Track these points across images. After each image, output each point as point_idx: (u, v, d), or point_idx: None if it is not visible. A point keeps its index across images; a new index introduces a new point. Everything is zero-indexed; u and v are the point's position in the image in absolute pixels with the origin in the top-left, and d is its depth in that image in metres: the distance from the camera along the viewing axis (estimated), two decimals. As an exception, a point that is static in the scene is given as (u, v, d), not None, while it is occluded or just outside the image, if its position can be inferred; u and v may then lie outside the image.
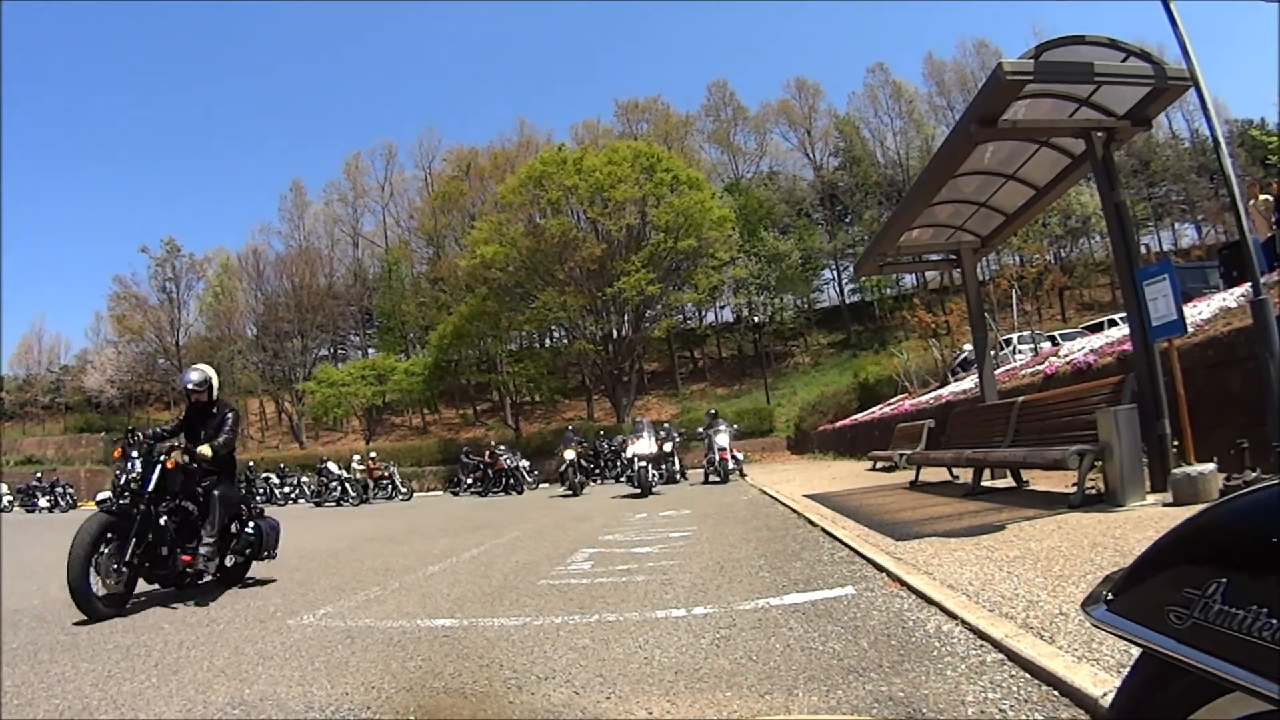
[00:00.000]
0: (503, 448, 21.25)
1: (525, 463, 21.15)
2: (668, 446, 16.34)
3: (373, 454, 25.36)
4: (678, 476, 16.78)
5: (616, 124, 55.94)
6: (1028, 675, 2.30)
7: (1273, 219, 9.49)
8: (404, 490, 22.59)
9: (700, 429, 17.68)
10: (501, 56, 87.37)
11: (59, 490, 28.11)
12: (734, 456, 16.37)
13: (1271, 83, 45.29)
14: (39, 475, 30.64)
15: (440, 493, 25.97)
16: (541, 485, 21.72)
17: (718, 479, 15.55)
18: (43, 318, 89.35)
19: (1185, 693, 0.96)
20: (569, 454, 16.26)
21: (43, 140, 76.35)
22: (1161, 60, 5.88)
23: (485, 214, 41.10)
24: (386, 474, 22.61)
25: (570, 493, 15.77)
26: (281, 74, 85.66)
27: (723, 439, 16.03)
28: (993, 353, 15.49)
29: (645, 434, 14.11)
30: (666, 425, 15.65)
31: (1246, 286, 6.42)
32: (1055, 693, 2.14)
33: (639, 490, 13.18)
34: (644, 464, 13.35)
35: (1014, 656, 2.44)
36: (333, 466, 22.73)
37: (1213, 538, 0.98)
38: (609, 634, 3.37)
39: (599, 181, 32.87)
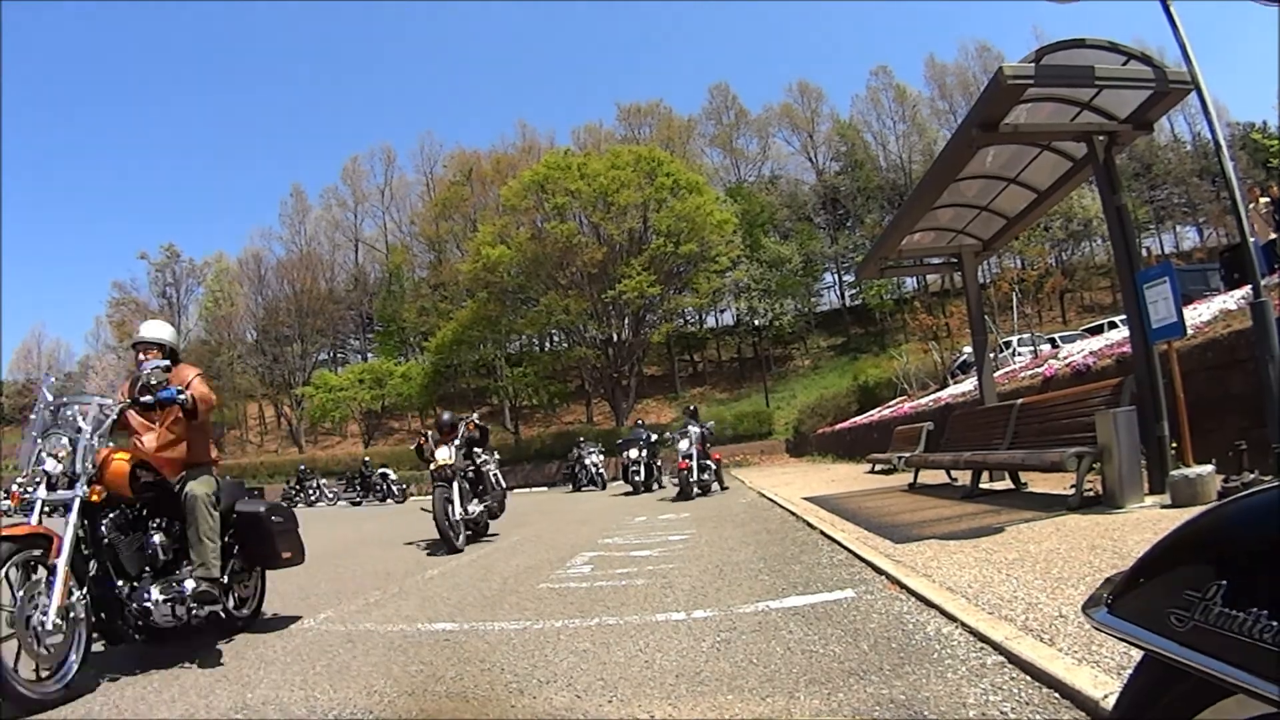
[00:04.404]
0: (367, 458, 23.25)
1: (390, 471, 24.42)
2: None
3: (366, 459, 27.74)
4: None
5: (618, 128, 55.99)
6: (1028, 677, 2.30)
7: (1274, 221, 9.50)
8: (397, 493, 24.00)
9: (669, 432, 15.58)
10: (501, 59, 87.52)
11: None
12: (704, 464, 12.61)
13: (1272, 85, 45.41)
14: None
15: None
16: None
17: (682, 496, 12.16)
18: (42, 324, 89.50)
19: (1188, 695, 0.96)
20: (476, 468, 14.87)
21: (43, 145, 76.38)
22: (1162, 63, 5.89)
23: (488, 218, 41.17)
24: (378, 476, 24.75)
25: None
26: (281, 77, 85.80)
27: (684, 444, 12.48)
28: (992, 355, 15.48)
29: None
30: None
31: (1247, 289, 6.43)
32: (1056, 695, 2.14)
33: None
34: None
35: (1014, 659, 2.44)
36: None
37: (1213, 540, 0.98)
38: (609, 637, 3.37)
39: (603, 186, 32.92)
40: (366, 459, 28.22)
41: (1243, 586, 0.87)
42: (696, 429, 12.83)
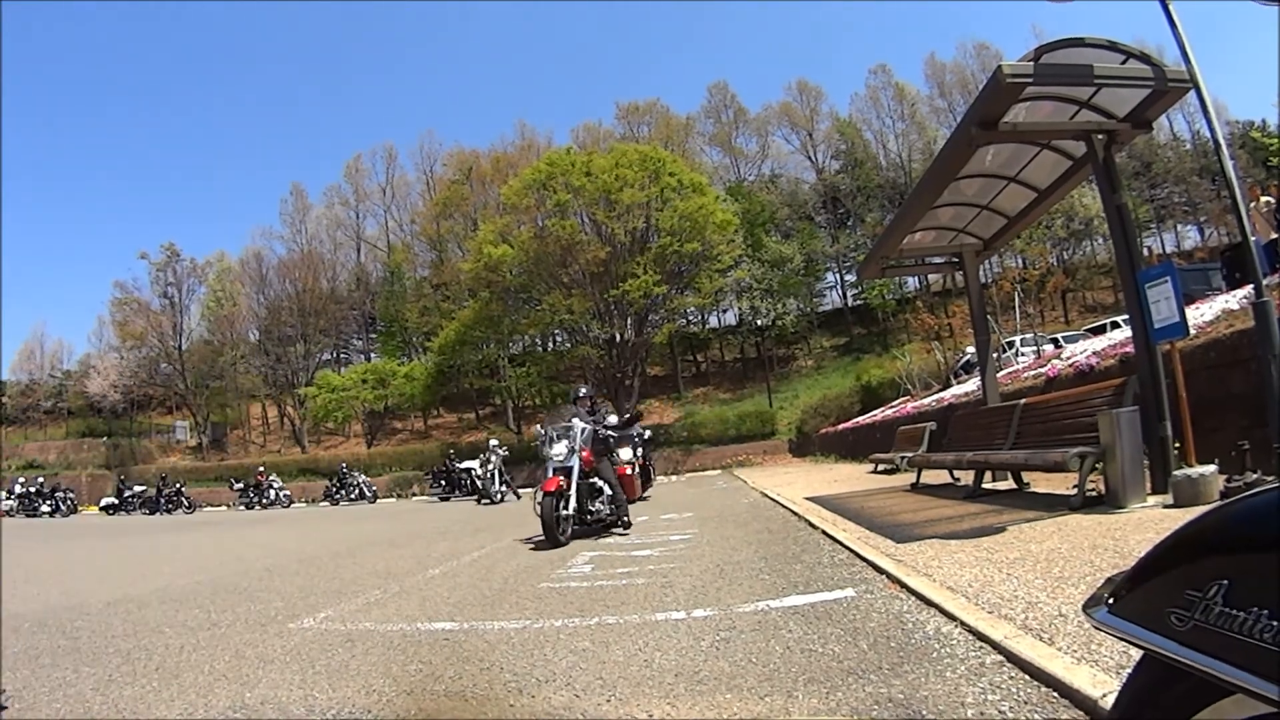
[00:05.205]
0: (452, 450, 23.79)
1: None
2: None
3: (451, 451, 27.76)
4: None
5: (618, 127, 55.92)
6: (1027, 677, 2.30)
7: (1275, 220, 9.48)
8: (369, 494, 24.89)
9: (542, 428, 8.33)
10: (501, 58, 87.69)
11: (60, 495, 28.04)
12: (592, 483, 7.67)
13: (1272, 84, 45.29)
14: (40, 479, 30.46)
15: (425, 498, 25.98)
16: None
17: (547, 540, 6.97)
18: (44, 324, 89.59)
19: (1187, 695, 0.96)
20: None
21: (45, 145, 76.66)
22: (1161, 62, 5.88)
23: (488, 217, 41.12)
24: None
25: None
26: (281, 77, 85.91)
27: (559, 448, 7.56)
28: (995, 355, 15.44)
29: None
30: None
31: (1249, 288, 6.41)
32: (1055, 694, 2.13)
33: None
34: None
35: (1013, 658, 2.44)
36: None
37: (1214, 540, 0.98)
38: (609, 637, 3.37)
39: (607, 184, 32.85)
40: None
41: (1244, 586, 0.86)
42: (584, 426, 7.77)
